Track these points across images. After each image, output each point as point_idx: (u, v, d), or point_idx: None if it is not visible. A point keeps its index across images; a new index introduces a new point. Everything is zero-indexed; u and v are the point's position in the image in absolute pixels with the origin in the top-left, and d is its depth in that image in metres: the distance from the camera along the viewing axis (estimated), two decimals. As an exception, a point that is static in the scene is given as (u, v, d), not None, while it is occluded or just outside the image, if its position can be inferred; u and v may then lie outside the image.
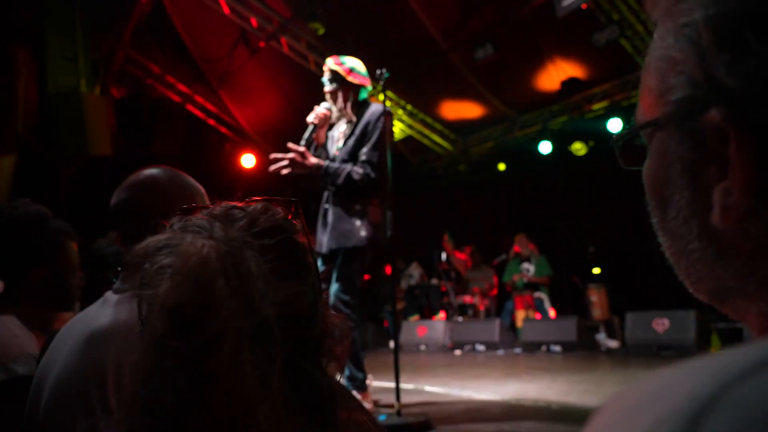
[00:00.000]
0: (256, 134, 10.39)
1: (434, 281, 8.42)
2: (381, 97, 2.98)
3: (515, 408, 3.00)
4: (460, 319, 7.76)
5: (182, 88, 9.53)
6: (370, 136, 3.07)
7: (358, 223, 3.06)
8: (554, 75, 8.25)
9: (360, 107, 3.20)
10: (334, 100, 3.19)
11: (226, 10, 7.49)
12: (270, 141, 10.47)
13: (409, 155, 10.59)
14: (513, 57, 7.72)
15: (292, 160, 2.95)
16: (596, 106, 8.56)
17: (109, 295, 1.14)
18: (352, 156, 3.11)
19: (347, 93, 3.16)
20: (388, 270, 9.27)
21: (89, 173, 7.56)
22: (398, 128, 9.73)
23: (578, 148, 8.84)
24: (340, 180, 3.00)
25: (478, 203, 10.24)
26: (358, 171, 3.01)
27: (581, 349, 6.01)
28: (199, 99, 9.82)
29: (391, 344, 7.94)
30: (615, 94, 8.32)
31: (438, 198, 10.71)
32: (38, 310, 1.67)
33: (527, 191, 9.44)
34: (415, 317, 8.39)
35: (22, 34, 6.57)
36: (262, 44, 8.28)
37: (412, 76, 8.27)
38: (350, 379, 3.05)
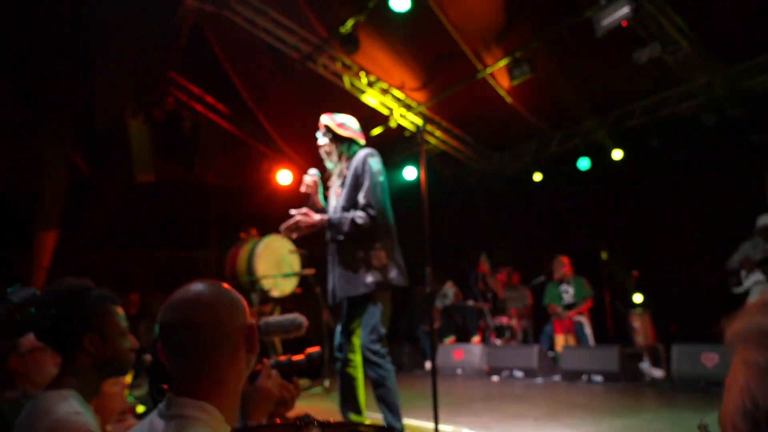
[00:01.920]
0: (292, 152, 10.52)
1: (470, 302, 8.33)
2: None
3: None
4: (497, 341, 7.65)
5: (221, 108, 9.74)
6: (362, 181, 3.17)
7: (362, 269, 3.13)
8: (592, 91, 8.07)
9: (350, 159, 3.31)
10: (328, 154, 3.35)
11: (263, 33, 7.61)
12: (306, 158, 10.60)
13: (444, 171, 10.53)
14: (550, 75, 7.59)
15: (297, 222, 3.13)
16: (636, 122, 8.34)
17: (157, 422, 1.15)
18: (351, 204, 3.20)
19: (338, 146, 3.31)
20: (421, 290, 9.26)
21: (135, 196, 7.81)
22: (433, 143, 9.70)
23: (617, 155, 8.57)
24: (346, 228, 3.10)
25: (514, 221, 10.08)
26: (361, 215, 3.10)
27: (624, 380, 5.84)
28: (237, 118, 10.02)
29: (427, 365, 7.93)
30: (657, 109, 8.08)
31: (473, 214, 10.61)
32: (94, 378, 1.72)
33: (565, 209, 9.25)
34: (450, 339, 8.31)
35: (71, 61, 6.84)
36: (298, 68, 8.37)
37: (449, 95, 8.24)
38: (388, 429, 3.03)
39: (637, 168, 8.48)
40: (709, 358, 5.17)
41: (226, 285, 1.31)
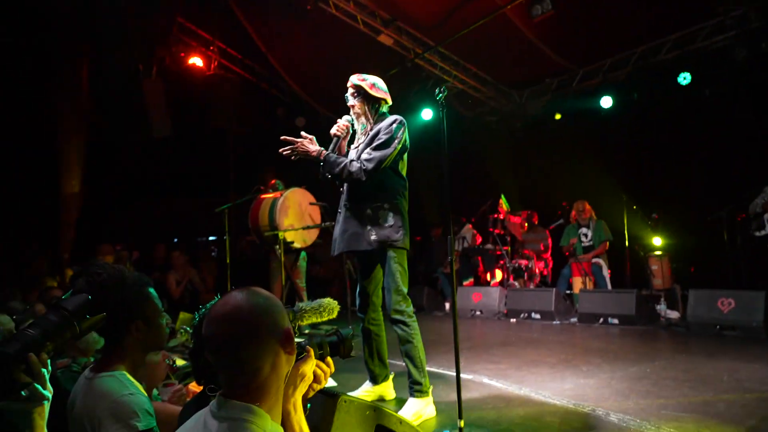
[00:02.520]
0: (307, 96, 10.39)
1: (488, 245, 8.42)
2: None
3: (573, 417, 3.08)
4: (515, 284, 7.80)
5: (233, 53, 9.56)
6: (377, 140, 3.18)
7: (368, 227, 3.20)
8: (616, 26, 7.71)
9: (378, 121, 3.31)
10: (357, 114, 3.35)
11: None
12: (321, 102, 10.47)
13: (462, 110, 10.33)
14: (572, 10, 7.26)
15: (298, 143, 3.16)
16: (664, 58, 8.00)
17: (210, 421, 1.26)
18: (359, 156, 3.22)
19: (369, 107, 3.32)
20: (438, 232, 9.36)
21: (153, 148, 7.87)
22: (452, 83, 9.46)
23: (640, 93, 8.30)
24: (336, 170, 3.15)
25: (534, 162, 9.96)
26: (355, 164, 3.14)
27: (640, 323, 5.97)
28: (250, 63, 9.85)
29: (447, 306, 8.14)
30: (686, 44, 7.73)
31: (492, 156, 10.49)
32: (140, 356, 1.86)
33: (586, 149, 9.09)
34: (469, 281, 8.48)
35: (79, 21, 6.73)
36: (309, 6, 8.10)
37: (467, 33, 7.95)
38: (412, 383, 3.20)
39: (661, 106, 8.23)
40: (726, 303, 5.23)
41: (259, 290, 1.36)
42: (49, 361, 1.32)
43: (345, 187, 3.37)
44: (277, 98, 10.43)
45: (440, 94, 2.93)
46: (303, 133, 3.22)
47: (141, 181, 9.75)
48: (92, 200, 7.20)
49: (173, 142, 8.70)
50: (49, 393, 1.30)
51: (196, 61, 8.38)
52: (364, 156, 3.16)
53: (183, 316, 5.16)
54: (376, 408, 2.11)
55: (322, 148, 3.22)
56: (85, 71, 7.49)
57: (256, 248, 7.54)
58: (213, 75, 8.04)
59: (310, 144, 3.19)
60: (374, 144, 3.17)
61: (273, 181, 6.84)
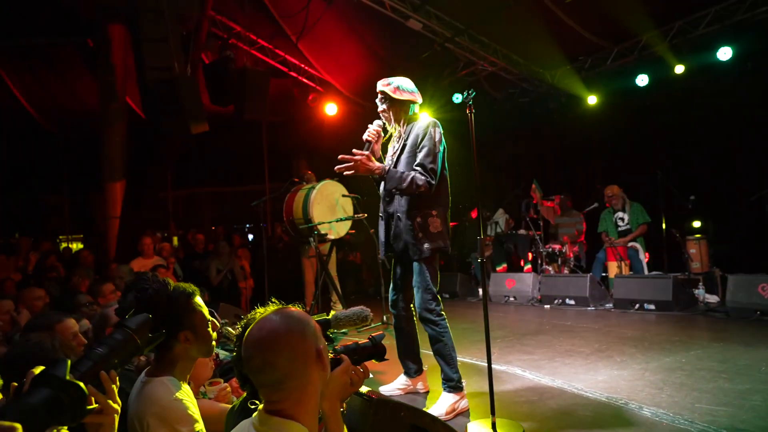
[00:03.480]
0: (337, 83, 10.43)
1: (522, 231, 8.39)
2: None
3: (606, 410, 3.12)
4: (549, 268, 7.77)
5: (264, 44, 9.66)
6: (423, 147, 3.21)
7: (420, 236, 3.27)
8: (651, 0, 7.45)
9: (410, 122, 3.35)
10: (387, 119, 3.40)
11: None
12: (351, 89, 10.50)
13: (493, 93, 10.21)
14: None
15: (357, 161, 3.16)
16: (703, 32, 7.71)
17: None
18: (409, 169, 3.25)
19: (398, 110, 3.36)
20: (474, 214, 9.35)
21: (190, 139, 8.07)
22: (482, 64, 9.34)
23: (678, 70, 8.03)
24: (405, 184, 3.17)
25: (568, 144, 9.80)
26: (421, 177, 3.17)
27: (677, 309, 5.90)
28: (281, 53, 9.94)
29: (480, 292, 8.19)
30: (728, 16, 7.42)
31: (526, 137, 10.37)
32: (189, 362, 2.00)
33: (622, 130, 8.89)
34: (502, 267, 8.49)
35: (119, 15, 6.94)
36: (337, -7, 8.09)
37: (497, 14, 7.82)
38: (445, 380, 3.30)
39: (700, 83, 7.96)
40: (767, 289, 5.13)
41: (292, 312, 1.46)
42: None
43: (396, 196, 3.37)
44: (308, 87, 10.52)
45: (466, 97, 2.94)
46: (355, 150, 3.19)
47: (179, 170, 10.03)
48: (135, 191, 7.47)
49: (210, 134, 8.95)
50: (118, 406, 1.44)
51: (229, 54, 8.52)
52: (422, 167, 3.17)
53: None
54: (410, 408, 2.22)
55: (383, 165, 3.25)
56: (122, 68, 7.74)
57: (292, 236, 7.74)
58: (245, 68, 8.15)
59: (368, 161, 3.18)
60: (423, 153, 3.19)
61: (309, 172, 6.98)
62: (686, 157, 8.04)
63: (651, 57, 8.32)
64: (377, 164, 3.23)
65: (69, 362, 1.22)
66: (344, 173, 3.20)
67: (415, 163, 3.22)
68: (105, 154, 7.79)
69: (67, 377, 1.16)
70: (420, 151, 3.21)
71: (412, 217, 3.29)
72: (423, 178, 3.15)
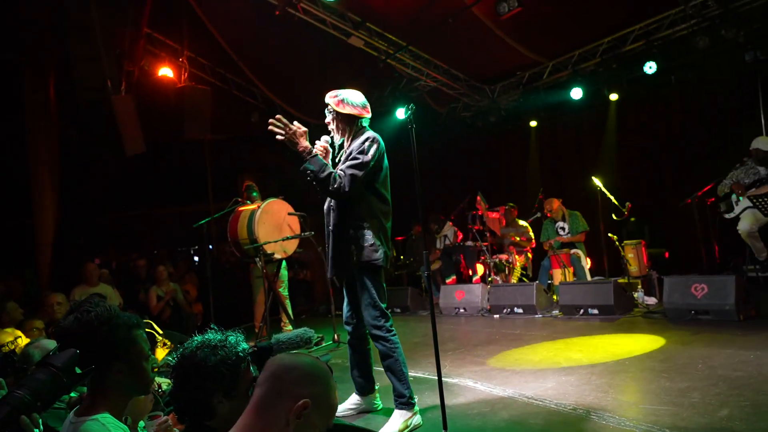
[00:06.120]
0: (280, 100, 10.34)
1: (469, 242, 8.52)
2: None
3: (555, 418, 3.17)
4: (497, 279, 7.91)
5: (204, 62, 9.47)
6: (352, 157, 3.20)
7: (352, 248, 3.25)
8: (583, 18, 7.83)
9: (357, 136, 3.32)
10: (333, 130, 3.38)
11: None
12: (296, 106, 10.43)
13: (436, 107, 10.39)
14: (537, 6, 7.34)
15: (292, 130, 3.13)
16: (630, 47, 8.14)
17: None
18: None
19: (342, 123, 3.34)
20: (418, 229, 9.43)
21: (128, 160, 7.77)
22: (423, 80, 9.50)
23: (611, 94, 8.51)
24: (323, 175, 3.12)
25: (509, 157, 10.08)
26: (339, 179, 3.13)
27: (619, 312, 6.11)
28: (222, 71, 9.77)
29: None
30: (652, 33, 7.88)
31: (469, 151, 10.59)
32: (122, 399, 1.87)
33: (558, 140, 9.23)
34: (451, 279, 8.57)
35: (48, 35, 6.61)
36: (277, 12, 8.05)
37: (437, 31, 7.98)
38: (397, 396, 3.26)
39: (629, 95, 8.40)
40: (699, 289, 5.39)
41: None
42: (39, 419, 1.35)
43: (332, 210, 3.38)
44: (250, 104, 10.38)
45: (408, 113, 2.96)
46: (297, 123, 3.17)
47: (117, 190, 9.63)
48: (70, 212, 7.08)
49: (149, 154, 8.65)
50: None
51: (167, 72, 8.29)
52: (340, 171, 3.18)
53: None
54: (362, 430, 2.17)
55: (310, 147, 3.18)
56: (52, 87, 7.38)
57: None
58: (185, 86, 7.94)
59: (302, 137, 3.15)
60: (349, 161, 3.20)
61: (246, 184, 6.79)
62: (621, 166, 8.43)
63: (584, 72, 8.70)
64: (308, 144, 3.17)
65: None
66: (275, 137, 3.16)
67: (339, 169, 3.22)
68: (35, 179, 7.37)
69: None
70: (349, 159, 3.21)
71: (345, 230, 3.29)
72: (338, 180, 3.13)
